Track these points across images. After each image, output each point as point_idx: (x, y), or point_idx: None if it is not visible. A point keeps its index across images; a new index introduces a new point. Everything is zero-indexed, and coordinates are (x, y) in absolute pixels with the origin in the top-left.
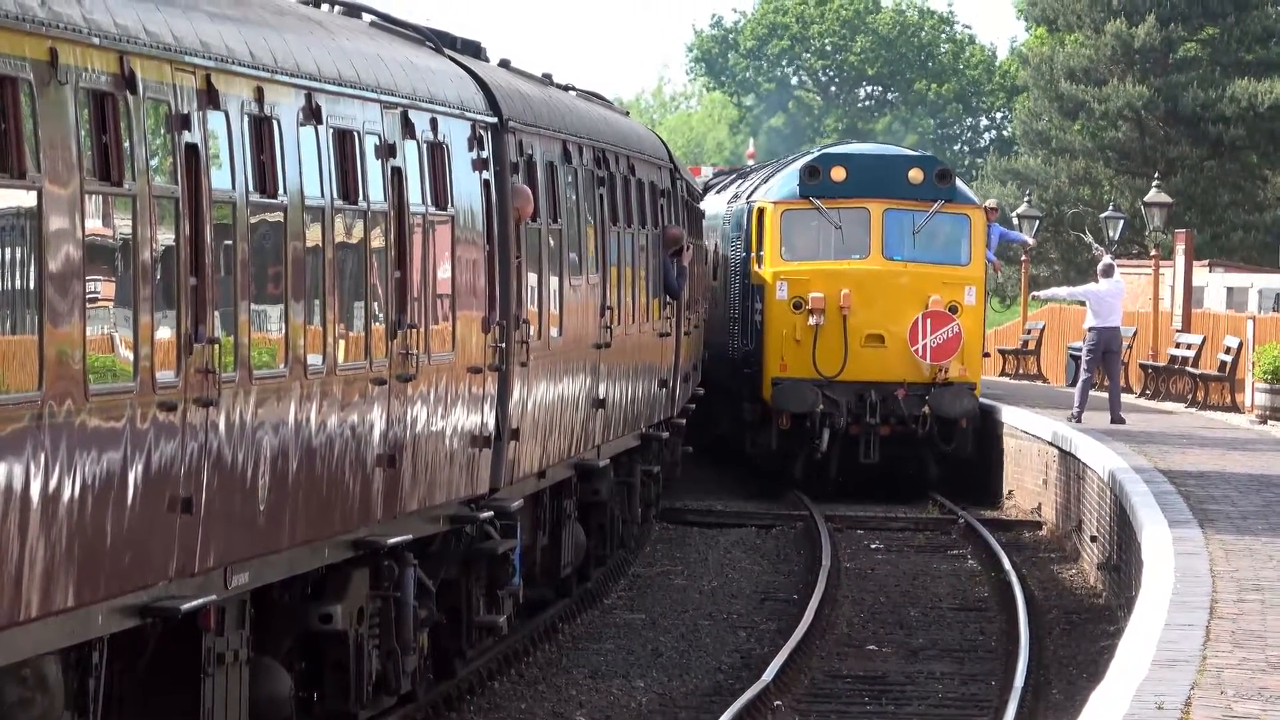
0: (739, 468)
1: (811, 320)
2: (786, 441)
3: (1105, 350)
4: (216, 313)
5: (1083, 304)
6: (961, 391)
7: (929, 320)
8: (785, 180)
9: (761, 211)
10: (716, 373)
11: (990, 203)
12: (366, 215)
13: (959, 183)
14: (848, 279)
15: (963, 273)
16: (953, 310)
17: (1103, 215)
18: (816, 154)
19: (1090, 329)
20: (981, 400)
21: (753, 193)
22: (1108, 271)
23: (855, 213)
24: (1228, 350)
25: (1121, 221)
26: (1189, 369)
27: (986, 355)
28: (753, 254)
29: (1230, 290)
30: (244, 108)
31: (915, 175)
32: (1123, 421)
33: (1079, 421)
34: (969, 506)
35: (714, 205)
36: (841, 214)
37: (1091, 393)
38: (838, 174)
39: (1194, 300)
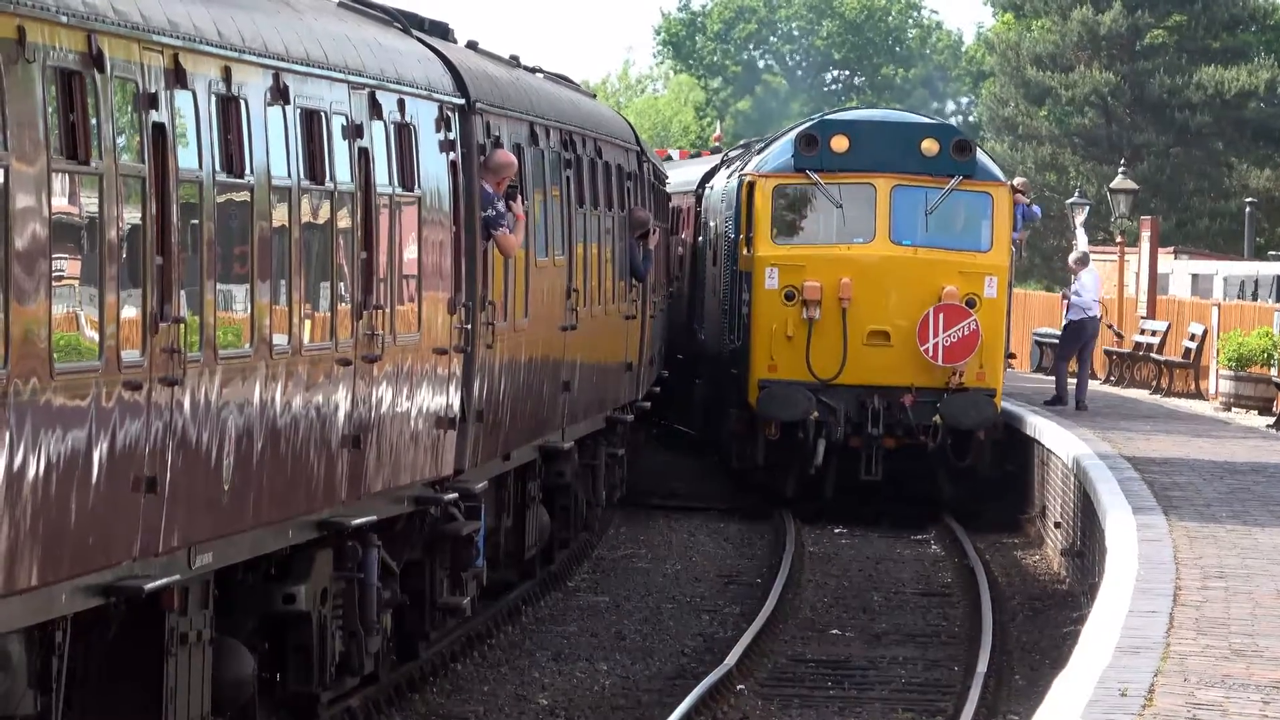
0: (705, 454)
1: (806, 313)
2: (775, 454)
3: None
4: (182, 292)
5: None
6: (978, 399)
7: (942, 315)
8: (779, 150)
9: (751, 186)
10: (711, 372)
11: (1018, 181)
12: (333, 196)
13: (981, 155)
14: (848, 266)
15: (983, 260)
16: (970, 304)
17: (1068, 201)
18: (815, 120)
19: (1075, 319)
20: (1006, 407)
21: (746, 165)
22: (1084, 261)
23: (859, 189)
24: (1192, 337)
25: (1087, 208)
26: (1153, 355)
27: (1011, 356)
28: (742, 236)
29: (1195, 277)
30: (211, 87)
31: (929, 146)
32: (1086, 408)
33: (1062, 405)
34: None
35: (720, 182)
36: (843, 190)
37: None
38: (839, 144)
39: (1159, 287)
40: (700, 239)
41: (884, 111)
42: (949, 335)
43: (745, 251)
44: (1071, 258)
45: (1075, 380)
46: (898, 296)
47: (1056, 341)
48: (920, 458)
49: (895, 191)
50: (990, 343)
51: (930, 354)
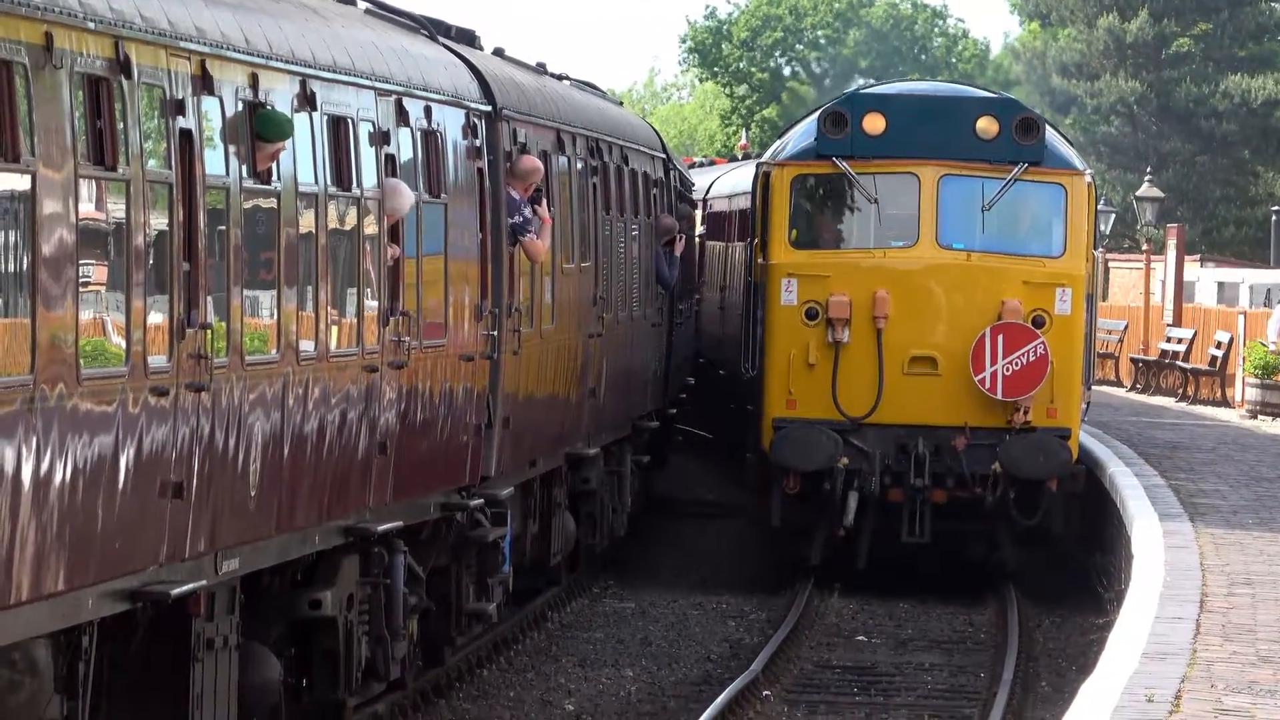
0: (730, 458)
1: (831, 336)
2: (796, 512)
3: None
4: (209, 298)
5: None
6: (1048, 441)
7: (1002, 336)
8: (801, 133)
9: (767, 177)
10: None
11: None
12: (360, 202)
13: (1052, 136)
14: (885, 276)
15: (1054, 268)
16: (1037, 323)
17: None
18: (845, 95)
19: None
20: (1086, 445)
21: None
22: None
23: (899, 180)
24: (1218, 345)
25: (1113, 216)
26: (1179, 363)
27: (1092, 387)
28: (756, 240)
29: (1221, 285)
30: (239, 94)
31: (986, 126)
32: None
33: None
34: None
35: None
36: (878, 181)
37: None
38: (873, 123)
39: (1185, 295)
40: None
41: (929, 84)
42: (1011, 362)
43: (759, 259)
44: None
45: None
46: (947, 314)
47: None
48: (977, 515)
49: (944, 183)
50: (1063, 371)
51: (987, 385)
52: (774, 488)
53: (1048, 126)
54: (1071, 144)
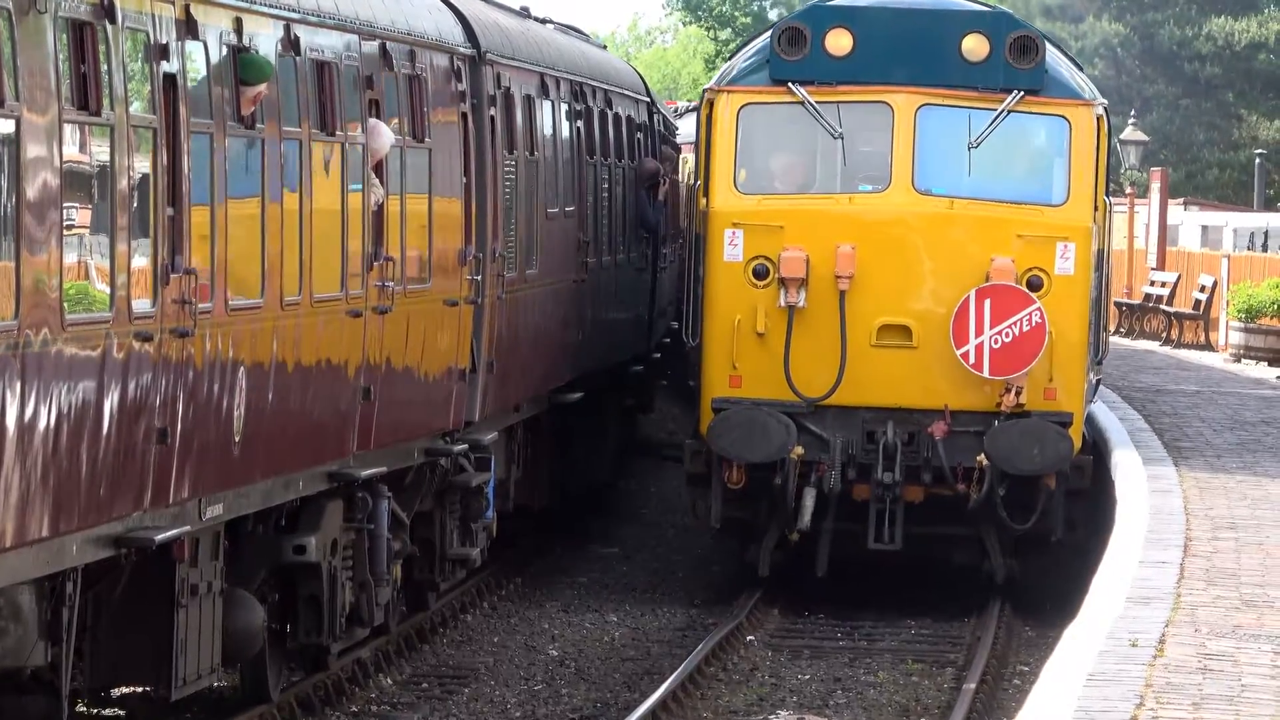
0: None
1: (785, 299)
2: (740, 512)
3: None
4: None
5: None
6: (1044, 429)
7: (990, 301)
8: (753, 53)
9: (711, 106)
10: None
11: None
12: (344, 147)
13: (1053, 58)
14: (851, 227)
15: (1054, 218)
16: (1034, 285)
17: None
18: (804, 8)
19: None
20: (1095, 413)
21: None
22: None
23: (868, 111)
24: (1202, 288)
25: None
26: (1163, 307)
27: (1100, 362)
28: (700, 182)
29: (1205, 228)
30: (223, 38)
31: (974, 46)
32: None
33: None
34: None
35: None
36: (844, 112)
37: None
38: (838, 42)
39: (1169, 238)
40: None
41: None
42: (1001, 332)
43: (701, 205)
44: None
45: None
46: (924, 273)
47: None
48: (959, 516)
49: (923, 114)
50: (1064, 343)
51: (972, 361)
52: (714, 481)
53: (1049, 46)
54: (1080, 67)
